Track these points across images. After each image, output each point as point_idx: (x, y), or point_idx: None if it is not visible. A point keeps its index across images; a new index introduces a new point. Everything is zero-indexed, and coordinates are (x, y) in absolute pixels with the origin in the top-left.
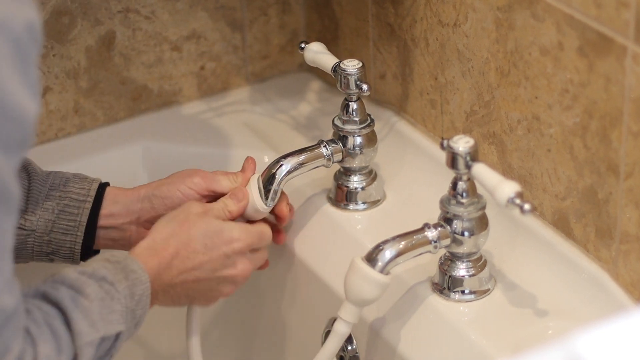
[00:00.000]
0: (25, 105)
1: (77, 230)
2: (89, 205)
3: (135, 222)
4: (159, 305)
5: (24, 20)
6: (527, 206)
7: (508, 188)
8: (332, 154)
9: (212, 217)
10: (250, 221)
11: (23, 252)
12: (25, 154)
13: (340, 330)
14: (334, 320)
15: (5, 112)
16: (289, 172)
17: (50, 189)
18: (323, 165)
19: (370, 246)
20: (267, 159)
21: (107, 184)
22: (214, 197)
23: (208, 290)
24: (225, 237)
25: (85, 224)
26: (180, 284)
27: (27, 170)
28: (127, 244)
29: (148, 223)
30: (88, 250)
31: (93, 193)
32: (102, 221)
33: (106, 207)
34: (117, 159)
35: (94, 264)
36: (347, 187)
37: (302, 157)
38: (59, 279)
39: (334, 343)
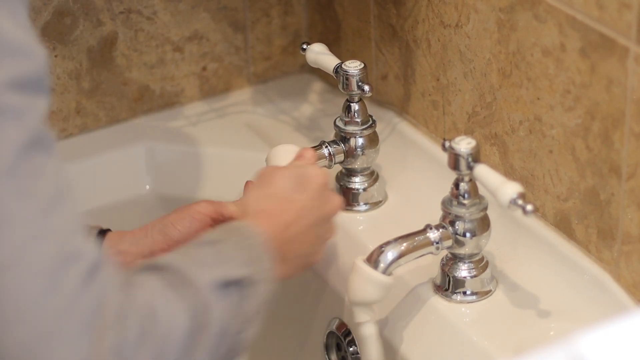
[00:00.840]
0: (26, 41)
1: None
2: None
3: (149, 256)
4: (282, 275)
5: None
6: (529, 207)
7: (510, 189)
8: (333, 155)
9: (288, 168)
10: None
11: None
12: (48, 102)
13: (368, 333)
14: (336, 321)
15: (5, 49)
16: None
17: None
18: (325, 166)
19: (372, 247)
20: None
21: (107, 230)
22: (222, 220)
23: (319, 236)
24: (308, 175)
25: None
26: (295, 236)
27: None
28: None
29: (162, 253)
30: None
31: (94, 233)
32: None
33: (112, 247)
34: (119, 159)
35: (196, 237)
36: (349, 188)
37: None
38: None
39: (372, 347)
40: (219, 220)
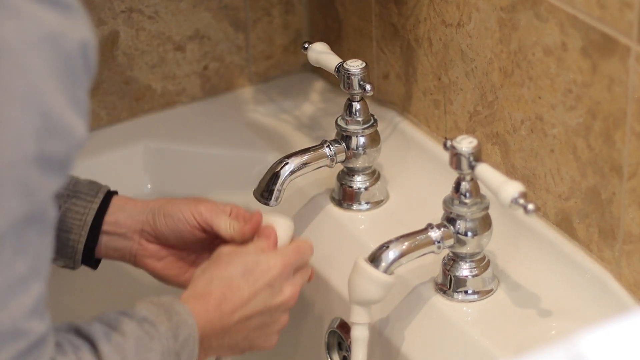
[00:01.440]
0: (70, 122)
1: (82, 230)
2: (95, 207)
3: (139, 233)
4: (217, 356)
5: (78, 40)
6: (530, 206)
7: (512, 188)
8: (335, 154)
9: (245, 253)
10: None
11: None
12: (65, 181)
13: (359, 335)
14: (337, 320)
15: (47, 126)
16: (292, 172)
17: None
18: (326, 166)
19: (373, 246)
20: (271, 159)
21: (115, 192)
22: (211, 234)
23: (264, 326)
24: (262, 268)
25: (90, 224)
26: (234, 326)
27: None
28: (128, 255)
29: (149, 235)
30: (90, 255)
31: (101, 196)
32: (107, 227)
33: (112, 214)
34: (119, 159)
35: (136, 306)
36: (351, 187)
37: (305, 157)
38: (96, 317)
39: (359, 350)
40: (208, 233)
